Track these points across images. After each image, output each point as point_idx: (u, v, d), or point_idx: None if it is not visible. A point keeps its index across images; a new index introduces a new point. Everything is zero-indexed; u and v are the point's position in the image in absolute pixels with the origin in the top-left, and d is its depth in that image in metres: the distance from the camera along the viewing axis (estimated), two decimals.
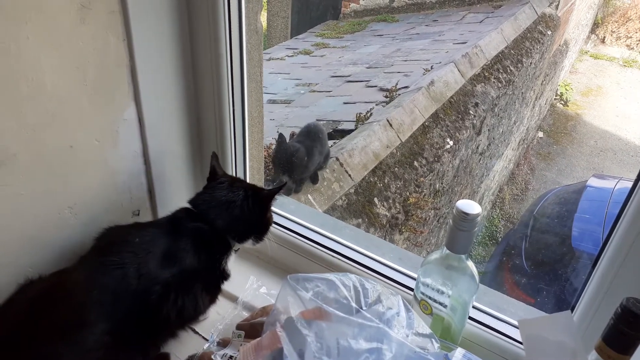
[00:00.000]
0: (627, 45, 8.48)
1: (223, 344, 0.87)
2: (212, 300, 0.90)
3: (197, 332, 0.93)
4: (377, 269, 1.01)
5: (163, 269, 0.79)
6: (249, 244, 0.90)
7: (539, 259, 3.34)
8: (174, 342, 0.88)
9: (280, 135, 2.17)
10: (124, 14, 0.81)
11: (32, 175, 0.79)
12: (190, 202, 0.89)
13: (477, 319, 0.90)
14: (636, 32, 8.42)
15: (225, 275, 0.88)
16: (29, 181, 0.78)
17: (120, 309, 0.77)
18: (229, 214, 0.86)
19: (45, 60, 0.74)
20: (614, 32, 8.64)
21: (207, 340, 0.90)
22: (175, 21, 0.90)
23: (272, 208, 1.14)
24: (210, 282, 0.87)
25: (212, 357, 0.80)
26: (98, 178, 0.90)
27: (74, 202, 0.87)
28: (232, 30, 0.95)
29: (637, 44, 8.40)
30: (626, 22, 8.50)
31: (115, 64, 0.84)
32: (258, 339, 0.64)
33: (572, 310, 0.82)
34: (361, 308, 0.61)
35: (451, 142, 3.10)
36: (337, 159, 2.43)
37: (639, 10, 8.49)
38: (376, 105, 3.23)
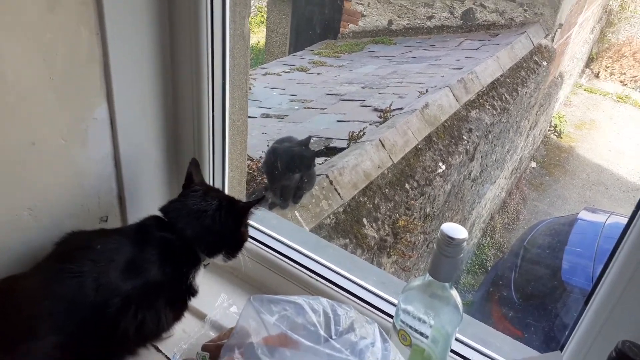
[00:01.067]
0: (621, 81, 8.58)
1: None
2: (177, 317, 0.83)
3: (159, 351, 0.87)
4: (357, 293, 0.95)
5: (124, 280, 0.73)
6: (219, 260, 0.84)
7: (529, 291, 3.28)
8: None
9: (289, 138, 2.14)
10: (98, 6, 0.76)
11: None
12: (161, 209, 0.83)
13: (460, 352, 0.85)
14: (630, 69, 8.52)
15: (192, 291, 0.82)
16: None
17: (74, 321, 0.70)
18: (199, 225, 0.80)
19: (6, 48, 0.68)
20: (608, 67, 8.75)
21: (169, 359, 0.84)
22: (154, 18, 0.86)
23: (251, 222, 1.09)
24: (175, 298, 0.80)
25: None
26: (63, 179, 0.84)
27: (34, 204, 0.81)
28: (214, 33, 0.90)
29: (631, 81, 8.50)
30: (620, 58, 8.62)
31: (86, 58, 0.79)
32: None
33: (562, 349, 0.76)
34: (331, 336, 0.55)
35: (443, 167, 3.07)
36: (327, 177, 2.38)
37: (633, 47, 8.61)
38: (370, 124, 3.19)
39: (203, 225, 0.80)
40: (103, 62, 0.82)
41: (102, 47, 0.80)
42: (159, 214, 0.83)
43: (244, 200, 0.90)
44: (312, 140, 2.34)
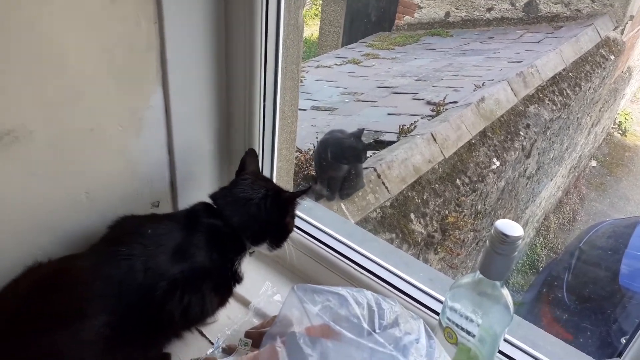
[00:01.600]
0: None
1: (228, 350, 0.82)
2: (222, 302, 0.85)
3: (204, 335, 0.89)
4: (402, 288, 0.93)
5: (172, 264, 0.75)
6: (264, 249, 0.85)
7: (584, 293, 3.13)
8: (178, 342, 0.83)
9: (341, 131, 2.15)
10: None
11: (48, 156, 0.76)
12: (211, 196, 0.84)
13: (508, 353, 0.81)
14: None
15: (237, 278, 0.83)
16: (44, 161, 0.76)
17: (123, 302, 0.73)
18: (245, 212, 0.81)
19: (71, 38, 0.71)
20: None
21: (212, 344, 0.85)
22: (210, 10, 0.87)
23: (298, 213, 1.10)
24: (220, 283, 0.82)
25: None
26: (118, 165, 0.87)
27: (90, 188, 0.84)
28: (268, 23, 0.90)
29: None
30: None
31: (144, 47, 0.81)
32: (255, 352, 0.58)
33: (620, 356, 0.72)
34: (374, 330, 0.54)
35: (498, 163, 2.97)
36: (375, 170, 2.36)
37: None
38: (421, 118, 3.13)
39: (248, 213, 0.81)
40: (160, 50, 0.83)
41: (159, 36, 0.82)
42: (208, 200, 0.84)
43: (291, 190, 0.91)
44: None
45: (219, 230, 0.79)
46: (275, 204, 0.83)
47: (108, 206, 0.88)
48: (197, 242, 0.77)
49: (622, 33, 4.99)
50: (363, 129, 2.16)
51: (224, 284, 0.82)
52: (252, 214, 0.81)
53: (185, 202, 0.98)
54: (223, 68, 0.94)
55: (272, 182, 0.92)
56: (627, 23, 4.99)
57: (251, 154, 0.91)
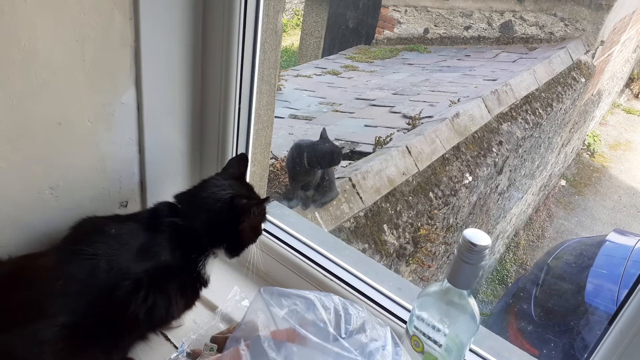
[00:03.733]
0: None
1: (193, 355, 0.80)
2: (188, 305, 0.83)
3: (168, 339, 0.86)
4: (371, 296, 0.93)
5: (136, 263, 0.73)
6: (222, 254, 0.83)
7: (550, 307, 3.19)
8: (143, 346, 0.81)
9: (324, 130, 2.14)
10: None
11: (13, 148, 0.74)
12: (175, 196, 0.83)
13: None
14: None
15: (202, 280, 0.81)
16: (8, 153, 0.73)
17: (85, 302, 0.71)
18: (202, 215, 0.79)
19: (41, 27, 0.69)
20: None
21: (177, 348, 0.83)
22: (188, 10, 0.86)
23: (270, 218, 1.08)
24: (186, 285, 0.80)
25: None
26: (86, 161, 0.85)
27: (56, 184, 0.82)
28: (247, 26, 0.90)
29: None
30: None
31: (118, 43, 0.80)
32: (217, 355, 0.56)
33: None
34: (340, 335, 0.54)
35: (470, 178, 3.01)
36: (350, 180, 2.36)
37: None
38: (397, 131, 3.16)
39: (205, 216, 0.79)
40: (134, 47, 0.82)
41: (134, 32, 0.81)
42: (172, 200, 0.83)
43: (264, 196, 0.89)
44: (337, 143, 2.32)
45: (180, 230, 0.78)
46: (231, 210, 0.80)
47: (74, 204, 0.85)
48: (160, 241, 0.76)
49: (593, 57, 5.16)
50: (324, 129, 2.16)
51: (189, 285, 0.81)
52: (208, 217, 0.79)
53: (155, 201, 0.96)
54: (199, 68, 0.93)
55: (247, 187, 0.89)
56: (597, 47, 5.17)
57: (240, 157, 0.89)
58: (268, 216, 1.08)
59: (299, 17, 9.52)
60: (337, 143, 2.16)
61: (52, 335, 0.69)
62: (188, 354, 0.80)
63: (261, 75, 1.01)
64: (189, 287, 0.81)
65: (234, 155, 1.01)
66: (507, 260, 5.05)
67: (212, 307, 0.92)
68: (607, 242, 3.61)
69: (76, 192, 0.86)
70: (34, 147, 0.76)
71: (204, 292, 0.85)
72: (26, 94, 0.72)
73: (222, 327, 0.88)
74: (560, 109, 4.37)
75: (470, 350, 0.83)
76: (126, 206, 0.95)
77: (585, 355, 0.72)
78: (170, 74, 0.89)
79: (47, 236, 0.82)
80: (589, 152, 7.09)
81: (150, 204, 0.98)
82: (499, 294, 4.47)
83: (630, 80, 8.69)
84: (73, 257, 0.73)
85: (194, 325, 0.89)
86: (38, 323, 0.68)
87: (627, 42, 6.71)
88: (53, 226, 0.83)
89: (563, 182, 6.42)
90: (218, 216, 0.79)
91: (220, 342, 0.80)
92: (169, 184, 0.99)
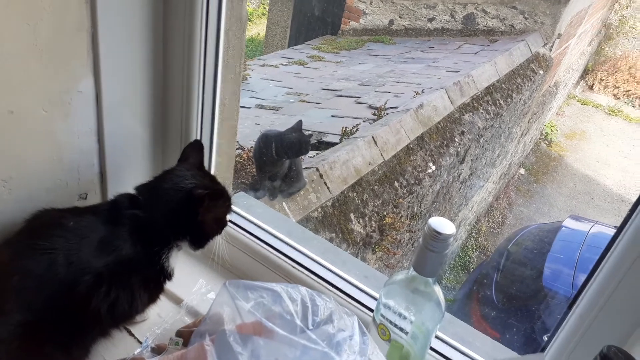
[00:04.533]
0: (614, 95, 8.65)
1: (158, 350, 0.78)
2: (151, 299, 0.81)
3: (132, 334, 0.84)
4: (338, 285, 0.93)
5: (97, 257, 0.71)
6: (186, 246, 0.81)
7: (511, 292, 3.30)
8: (105, 343, 0.79)
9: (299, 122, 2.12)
10: None
11: None
12: (136, 188, 0.80)
13: (440, 350, 0.83)
14: (624, 83, 8.60)
15: (166, 273, 0.79)
16: None
17: (43, 298, 0.68)
18: (163, 206, 0.77)
19: None
20: (603, 80, 8.81)
21: (141, 343, 0.81)
22: None
23: (236, 209, 1.07)
24: (149, 278, 0.78)
25: None
26: (41, 152, 0.81)
27: (9, 176, 0.78)
28: (209, 12, 0.88)
29: (623, 95, 8.57)
30: (615, 72, 8.68)
31: (74, 28, 0.76)
32: (182, 351, 0.55)
33: (543, 351, 0.75)
34: (308, 327, 0.53)
35: (433, 167, 3.06)
36: (317, 170, 2.36)
37: (628, 62, 8.68)
38: (363, 121, 3.18)
39: (167, 208, 0.77)
40: (91, 33, 0.79)
41: (91, 17, 0.77)
42: (133, 192, 0.80)
43: (230, 188, 0.88)
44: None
45: (141, 222, 0.75)
46: (188, 201, 0.77)
47: (29, 196, 0.81)
48: (121, 234, 0.73)
49: (550, 50, 5.32)
50: (301, 120, 2.15)
51: (152, 278, 0.78)
52: (169, 209, 0.77)
53: (116, 193, 0.93)
54: (160, 55, 0.90)
55: (210, 177, 0.87)
56: (555, 40, 5.32)
57: (195, 145, 0.86)
58: (234, 207, 1.06)
59: (265, 5, 9.41)
60: (305, 134, 2.16)
61: (7, 333, 0.66)
62: (153, 349, 0.78)
63: (225, 63, 0.99)
64: (153, 281, 0.79)
65: None
66: (469, 247, 5.19)
67: (177, 301, 0.91)
68: (564, 227, 3.75)
69: (31, 184, 0.82)
70: None
71: (169, 285, 0.83)
72: None
73: (188, 320, 0.87)
74: (520, 99, 4.49)
75: (436, 337, 0.84)
76: (85, 198, 0.92)
77: (547, 339, 0.75)
78: (129, 61, 0.86)
79: (0, 230, 0.78)
80: (546, 142, 7.33)
81: (110, 195, 0.94)
82: (462, 280, 4.59)
83: (585, 72, 9.02)
84: (29, 252, 0.69)
85: (158, 319, 0.87)
86: None
87: (583, 36, 6.95)
88: (7, 220, 0.79)
89: (522, 171, 6.63)
90: (178, 207, 0.77)
91: (185, 336, 0.78)
92: (130, 174, 0.96)
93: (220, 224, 0.84)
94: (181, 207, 0.77)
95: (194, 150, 0.85)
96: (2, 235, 0.76)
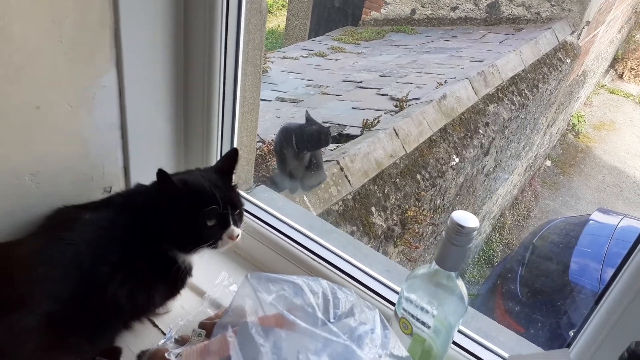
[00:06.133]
0: None
1: (181, 341, 0.79)
2: (171, 292, 0.82)
3: (156, 325, 0.86)
4: (359, 279, 0.93)
5: (114, 248, 0.72)
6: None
7: (536, 287, 3.24)
8: (128, 334, 0.80)
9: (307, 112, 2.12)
10: None
11: None
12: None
13: (462, 344, 0.82)
14: None
15: (180, 269, 0.80)
16: None
17: (68, 289, 0.69)
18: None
19: (15, 6, 0.67)
20: (633, 69, 8.54)
21: (164, 335, 0.83)
22: None
23: (257, 202, 1.07)
24: (165, 272, 0.78)
25: (166, 355, 0.72)
26: (67, 146, 0.83)
27: (36, 170, 0.80)
28: (230, 6, 0.88)
29: None
30: None
31: (97, 23, 0.77)
32: (205, 342, 0.56)
33: (569, 346, 0.74)
34: (329, 320, 0.53)
35: (457, 159, 3.02)
36: (338, 163, 2.35)
37: None
38: (385, 113, 3.15)
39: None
40: (114, 28, 0.80)
41: (114, 12, 0.78)
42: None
43: (251, 180, 0.88)
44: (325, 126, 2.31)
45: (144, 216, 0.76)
46: (192, 206, 0.75)
47: (56, 189, 0.83)
48: (130, 226, 0.75)
49: (578, 38, 5.17)
50: (307, 111, 2.15)
51: (169, 272, 0.79)
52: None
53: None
54: (181, 50, 0.91)
55: (219, 182, 0.79)
56: (583, 28, 5.18)
57: (229, 154, 0.83)
58: (256, 200, 1.07)
59: None
60: (325, 126, 2.15)
61: (35, 323, 0.67)
62: (176, 340, 0.80)
63: (246, 56, 0.99)
64: (169, 274, 0.78)
65: (219, 139, 1.00)
66: (494, 241, 5.12)
67: (200, 293, 0.92)
68: (591, 221, 3.66)
69: (57, 178, 0.84)
70: (11, 132, 0.74)
71: (192, 278, 0.84)
72: (1, 78, 0.69)
73: (210, 312, 0.88)
74: (546, 89, 4.39)
75: (459, 331, 0.83)
76: (110, 192, 0.93)
77: (572, 334, 0.73)
78: (151, 56, 0.87)
79: (29, 223, 0.80)
80: (573, 133, 7.16)
81: None
82: (486, 274, 4.53)
83: (615, 60, 8.76)
84: (53, 243, 0.71)
85: (181, 311, 0.88)
86: (18, 312, 0.66)
87: (612, 23, 6.74)
88: (34, 213, 0.81)
89: (548, 163, 6.49)
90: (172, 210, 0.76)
91: (208, 327, 0.79)
92: (153, 169, 0.97)
93: (215, 233, 0.77)
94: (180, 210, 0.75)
95: (227, 157, 0.83)
96: (32, 228, 0.78)
